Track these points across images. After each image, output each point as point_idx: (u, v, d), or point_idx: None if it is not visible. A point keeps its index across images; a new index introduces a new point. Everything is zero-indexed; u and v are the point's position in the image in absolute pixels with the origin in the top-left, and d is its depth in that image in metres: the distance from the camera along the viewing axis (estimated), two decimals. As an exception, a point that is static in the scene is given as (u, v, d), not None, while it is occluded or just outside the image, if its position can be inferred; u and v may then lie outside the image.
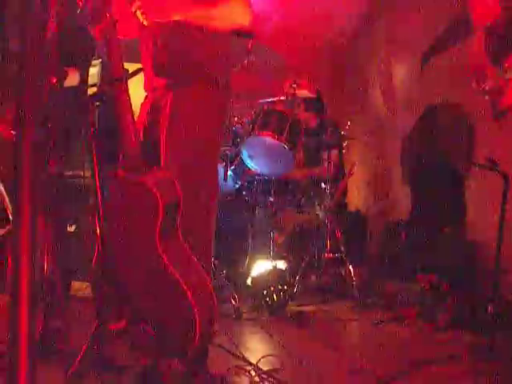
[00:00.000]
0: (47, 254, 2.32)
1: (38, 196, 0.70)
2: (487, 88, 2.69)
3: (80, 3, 1.92)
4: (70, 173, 3.52)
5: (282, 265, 3.93)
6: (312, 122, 4.76)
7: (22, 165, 0.67)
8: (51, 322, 2.38)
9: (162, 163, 2.18)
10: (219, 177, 3.53)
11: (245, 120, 4.07)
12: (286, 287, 3.49)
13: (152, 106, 2.34)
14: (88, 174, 3.84)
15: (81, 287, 3.66)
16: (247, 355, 2.44)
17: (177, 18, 2.16)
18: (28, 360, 0.77)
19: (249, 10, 2.30)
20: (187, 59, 2.26)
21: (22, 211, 0.69)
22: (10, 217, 3.31)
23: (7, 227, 3.46)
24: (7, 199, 3.34)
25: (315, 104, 4.72)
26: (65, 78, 3.11)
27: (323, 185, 4.15)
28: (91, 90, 3.99)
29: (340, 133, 4.38)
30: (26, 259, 0.70)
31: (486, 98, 2.76)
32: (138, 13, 2.10)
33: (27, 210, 0.68)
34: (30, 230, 0.69)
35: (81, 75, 3.23)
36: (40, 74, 0.74)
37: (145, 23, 2.13)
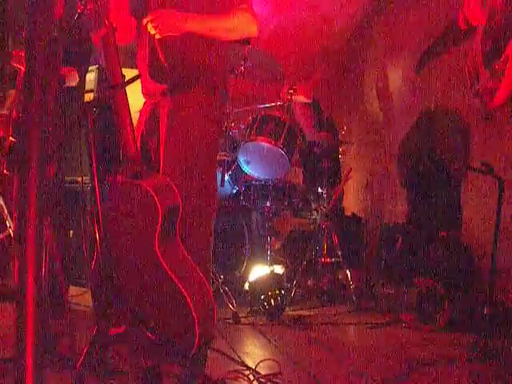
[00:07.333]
0: (48, 258, 2.32)
1: (44, 201, 0.70)
2: (479, 89, 2.72)
3: (80, 9, 1.93)
4: (68, 178, 3.52)
5: (279, 269, 3.93)
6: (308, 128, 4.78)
7: (29, 169, 0.68)
8: (52, 327, 2.38)
9: (161, 169, 2.19)
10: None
11: (242, 125, 4.08)
12: (283, 292, 3.50)
13: (150, 114, 2.34)
14: (86, 179, 3.85)
15: (78, 293, 3.66)
16: (245, 360, 2.44)
17: (189, 30, 2.15)
18: (35, 367, 0.77)
19: (256, 20, 2.31)
20: (185, 64, 2.26)
21: (28, 217, 0.70)
22: (7, 222, 3.30)
23: (4, 232, 3.45)
24: (2, 203, 3.33)
25: (313, 106, 4.75)
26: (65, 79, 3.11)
27: (320, 189, 4.16)
28: (88, 96, 4.00)
29: (337, 137, 4.40)
30: (33, 266, 0.71)
31: (478, 98, 2.79)
32: (150, 26, 2.08)
33: (34, 216, 0.69)
34: (37, 236, 0.70)
35: (79, 77, 3.23)
36: (48, 74, 0.75)
37: (157, 37, 2.13)
